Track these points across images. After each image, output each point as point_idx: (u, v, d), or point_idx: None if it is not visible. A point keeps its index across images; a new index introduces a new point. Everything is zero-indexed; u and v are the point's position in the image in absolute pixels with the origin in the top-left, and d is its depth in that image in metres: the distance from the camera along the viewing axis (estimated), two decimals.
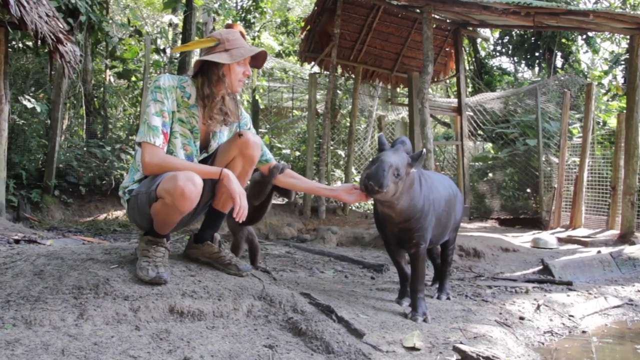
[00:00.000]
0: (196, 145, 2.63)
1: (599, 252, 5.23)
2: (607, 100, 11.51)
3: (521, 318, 3.13)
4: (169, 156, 2.47)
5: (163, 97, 2.48)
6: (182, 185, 2.27)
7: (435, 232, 3.01)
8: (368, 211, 9.40)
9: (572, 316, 3.37)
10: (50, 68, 6.03)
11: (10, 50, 5.66)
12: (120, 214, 7.71)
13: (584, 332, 3.19)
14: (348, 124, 9.94)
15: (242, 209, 2.42)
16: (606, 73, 13.29)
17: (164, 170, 2.40)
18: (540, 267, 4.69)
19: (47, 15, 4.57)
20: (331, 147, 9.95)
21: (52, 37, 4.52)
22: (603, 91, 12.13)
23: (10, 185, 6.62)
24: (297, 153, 11.39)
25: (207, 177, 2.46)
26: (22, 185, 7.22)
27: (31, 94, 7.92)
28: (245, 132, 2.63)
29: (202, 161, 2.70)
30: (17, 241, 4.22)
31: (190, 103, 2.57)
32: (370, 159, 3.25)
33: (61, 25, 4.87)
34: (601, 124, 9.55)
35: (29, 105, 7.41)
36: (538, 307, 3.38)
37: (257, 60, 2.69)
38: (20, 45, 8.10)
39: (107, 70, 10.80)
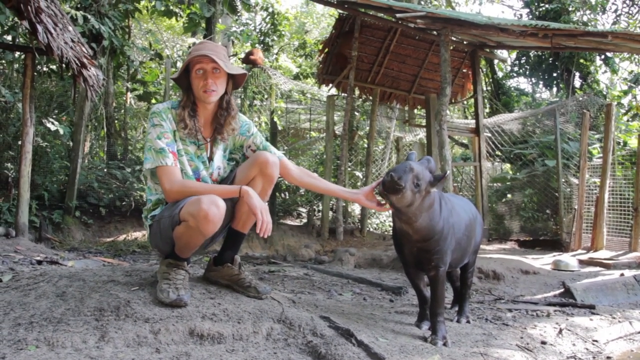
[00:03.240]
0: (202, 157, 2.69)
1: (622, 274, 5.13)
2: (628, 121, 11.39)
3: (543, 342, 3.07)
4: (188, 181, 2.54)
5: (160, 120, 2.57)
6: (206, 209, 2.32)
7: (455, 255, 2.98)
8: (386, 232, 9.37)
9: (595, 341, 3.30)
10: (74, 91, 6.16)
11: (35, 74, 5.80)
12: (139, 235, 7.78)
13: (608, 357, 3.12)
14: (366, 146, 9.96)
15: (264, 224, 2.44)
16: (626, 93, 13.17)
17: (185, 195, 2.46)
18: (562, 290, 4.61)
19: (72, 41, 4.68)
20: (349, 169, 9.98)
21: (77, 61, 4.64)
22: (623, 111, 12.02)
23: (32, 206, 6.73)
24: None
25: (227, 196, 2.50)
26: (44, 206, 7.34)
27: (54, 117, 8.10)
28: (264, 152, 2.69)
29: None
30: (39, 262, 4.28)
31: None
32: None
33: (85, 50, 4.98)
34: (621, 144, 9.44)
35: (52, 128, 7.57)
36: (560, 331, 3.32)
37: (236, 78, 2.74)
38: (45, 69, 8.30)
39: (128, 93, 11.03)
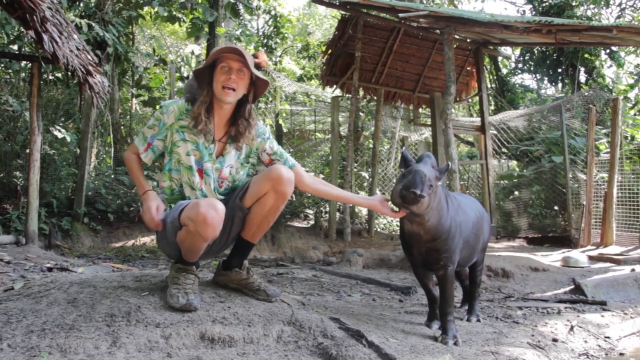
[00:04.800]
0: (210, 148, 2.67)
1: (632, 270, 5.10)
2: (635, 115, 11.32)
3: (554, 340, 3.06)
4: (133, 158, 2.72)
5: (159, 114, 2.67)
6: (204, 212, 2.32)
7: (464, 254, 2.98)
8: (393, 232, 9.35)
9: (608, 337, 3.28)
10: (80, 99, 6.20)
11: (41, 82, 5.83)
12: (147, 240, 7.81)
13: (621, 354, 3.10)
14: (371, 146, 9.95)
15: (152, 223, 2.58)
16: (632, 87, 13.09)
17: (127, 164, 2.77)
18: (572, 286, 4.58)
19: (77, 49, 4.69)
20: (355, 169, 9.97)
21: (82, 69, 4.64)
22: (629, 105, 11.94)
23: (41, 214, 6.76)
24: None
25: (138, 189, 2.72)
26: (53, 214, 7.38)
27: (61, 125, 8.14)
28: (278, 167, 2.62)
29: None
30: (50, 269, 4.30)
31: None
32: (396, 179, 3.22)
33: (90, 58, 5.00)
34: (629, 138, 9.38)
35: (59, 136, 7.62)
36: (571, 328, 3.30)
37: (258, 87, 2.74)
38: (51, 77, 8.35)
39: (133, 99, 11.07)
